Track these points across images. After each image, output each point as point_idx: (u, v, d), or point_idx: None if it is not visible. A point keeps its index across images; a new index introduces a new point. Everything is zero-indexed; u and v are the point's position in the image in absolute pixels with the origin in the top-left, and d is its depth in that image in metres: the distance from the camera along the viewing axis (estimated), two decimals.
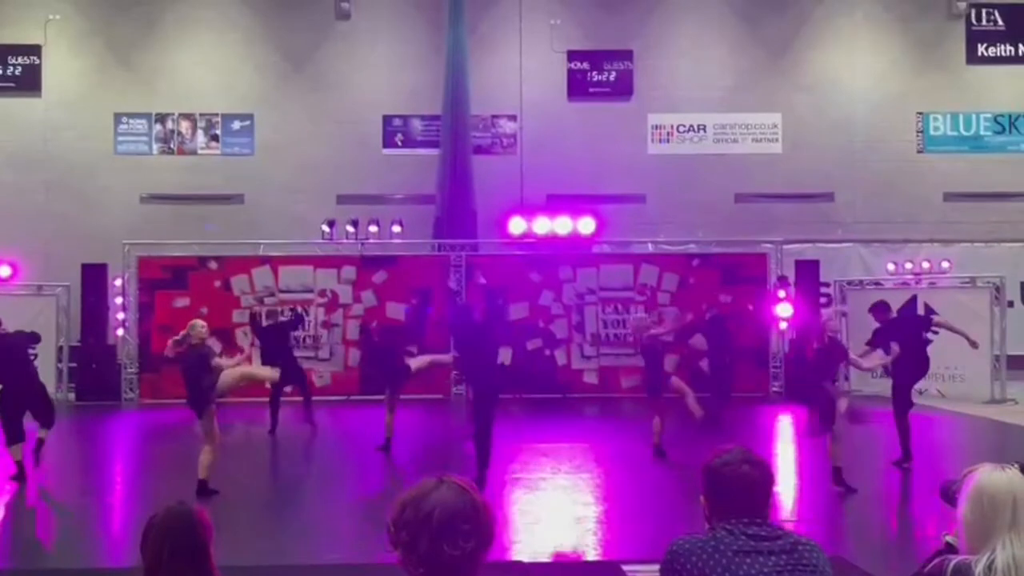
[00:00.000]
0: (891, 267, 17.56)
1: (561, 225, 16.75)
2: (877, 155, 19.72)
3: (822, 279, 17.21)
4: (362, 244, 17.01)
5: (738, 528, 2.44)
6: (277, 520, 7.64)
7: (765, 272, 16.95)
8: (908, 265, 17.23)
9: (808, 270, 16.83)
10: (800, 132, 19.88)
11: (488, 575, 2.09)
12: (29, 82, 19.39)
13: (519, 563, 5.59)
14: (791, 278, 16.65)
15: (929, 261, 17.22)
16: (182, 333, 8.35)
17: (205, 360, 8.28)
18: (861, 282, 17.56)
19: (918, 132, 20.10)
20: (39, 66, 19.42)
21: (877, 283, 17.53)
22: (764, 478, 2.50)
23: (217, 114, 19.71)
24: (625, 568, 5.33)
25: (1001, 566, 2.13)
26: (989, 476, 2.26)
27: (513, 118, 19.72)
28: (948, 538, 2.39)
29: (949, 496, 2.38)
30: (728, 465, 2.48)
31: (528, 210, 17.37)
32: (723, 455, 2.54)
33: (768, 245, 17.28)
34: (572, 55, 19.96)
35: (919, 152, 20.08)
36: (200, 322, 8.63)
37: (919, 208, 19.30)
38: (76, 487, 9.13)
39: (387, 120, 19.78)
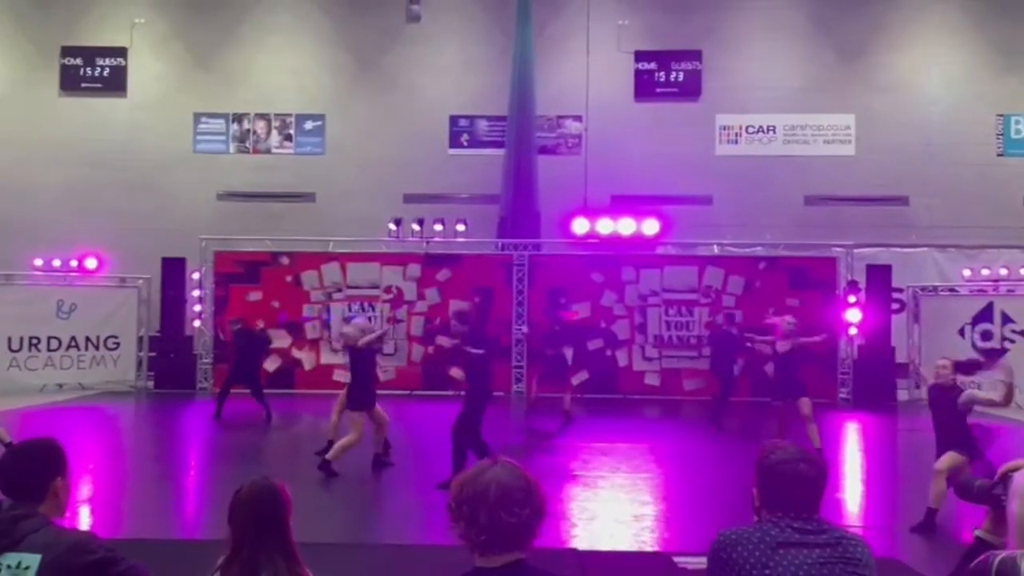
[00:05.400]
0: (967, 273, 17.04)
1: (624, 226, 16.74)
2: (955, 158, 19.14)
3: (895, 284, 16.80)
4: (427, 242, 17.29)
5: (784, 521, 2.49)
6: (341, 503, 7.89)
7: (834, 276, 16.63)
8: (985, 271, 16.70)
9: (879, 275, 16.45)
10: (874, 134, 19.42)
11: (544, 561, 2.21)
12: (115, 83, 20.28)
13: (574, 550, 5.69)
14: (861, 283, 16.30)
15: (1007, 267, 16.66)
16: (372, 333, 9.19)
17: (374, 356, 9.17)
18: (935, 288, 17.08)
19: (998, 135, 19.44)
20: (125, 68, 20.29)
21: (952, 289, 17.04)
22: (819, 476, 2.55)
23: (291, 114, 20.28)
24: (676, 560, 5.40)
25: None
26: None
27: (579, 119, 19.77)
28: (978, 533, 2.40)
29: (980, 495, 2.39)
30: (786, 462, 2.53)
31: (592, 211, 17.41)
32: (777, 451, 2.59)
33: (838, 249, 16.94)
34: (639, 56, 19.91)
35: (999, 155, 19.41)
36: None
37: (998, 213, 18.67)
38: (153, 469, 9.55)
39: (453, 120, 20.05)
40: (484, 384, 8.58)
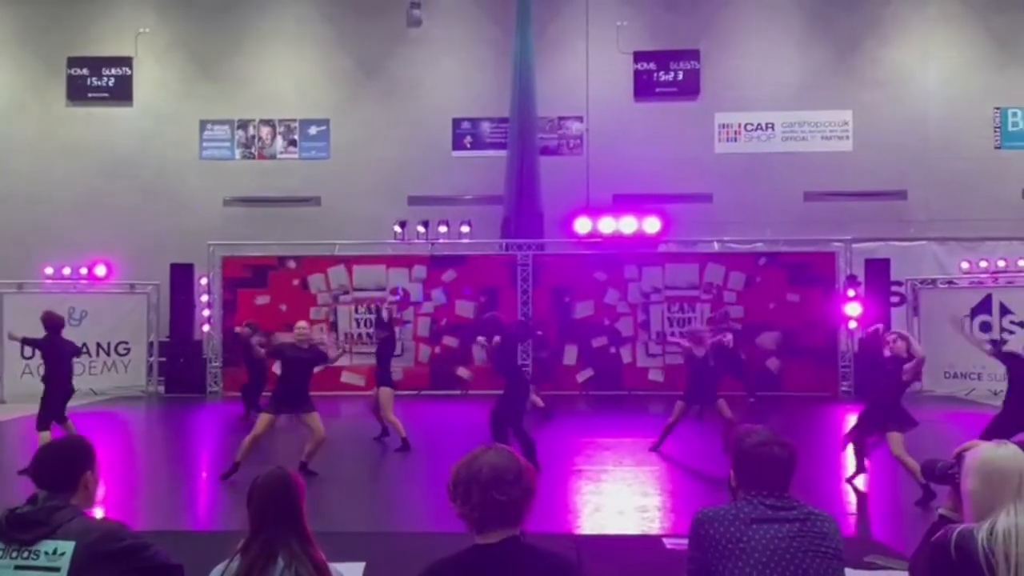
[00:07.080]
0: (965, 265, 17.21)
1: (626, 225, 16.96)
2: (952, 152, 19.31)
3: (894, 278, 16.99)
4: (432, 244, 17.52)
5: (758, 499, 2.71)
6: (356, 496, 8.14)
7: (834, 271, 16.81)
8: (983, 263, 16.88)
9: (878, 269, 16.64)
10: (872, 129, 19.59)
11: (539, 543, 2.43)
12: (121, 92, 20.56)
13: (569, 534, 5.92)
14: (860, 277, 16.49)
15: (1005, 259, 16.82)
16: (293, 335, 9.06)
17: (320, 357, 9.09)
18: (934, 281, 17.26)
19: (995, 128, 19.60)
20: (131, 77, 20.57)
21: (951, 282, 17.22)
22: (791, 458, 2.79)
23: (295, 120, 20.54)
24: (666, 541, 5.63)
25: (1002, 531, 2.28)
26: (995, 451, 2.42)
27: (580, 119, 19.98)
28: (942, 511, 2.59)
29: (941, 475, 2.58)
30: (762, 445, 2.77)
31: (594, 210, 17.62)
32: (752, 435, 2.83)
33: (837, 244, 17.12)
34: (638, 56, 20.11)
35: (996, 148, 19.58)
36: (304, 323, 9.43)
37: (996, 205, 18.84)
38: (169, 469, 9.79)
39: (456, 123, 20.28)
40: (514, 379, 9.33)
